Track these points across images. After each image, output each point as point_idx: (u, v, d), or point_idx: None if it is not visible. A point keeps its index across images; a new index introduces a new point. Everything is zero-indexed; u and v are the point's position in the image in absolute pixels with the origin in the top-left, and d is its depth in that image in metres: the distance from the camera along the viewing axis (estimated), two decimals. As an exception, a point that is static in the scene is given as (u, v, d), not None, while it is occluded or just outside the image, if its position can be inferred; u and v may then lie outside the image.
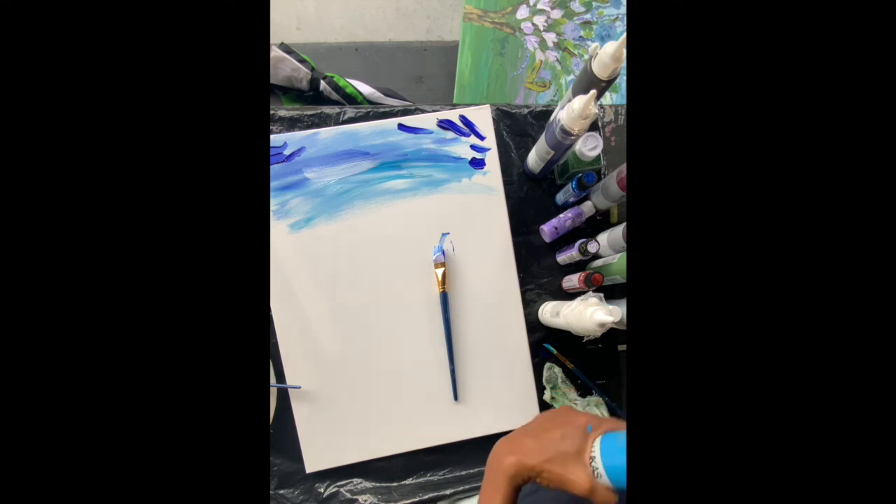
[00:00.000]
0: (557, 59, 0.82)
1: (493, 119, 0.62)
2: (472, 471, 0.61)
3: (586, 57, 0.55)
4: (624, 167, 0.51)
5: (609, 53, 0.40)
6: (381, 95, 0.75)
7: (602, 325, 0.43)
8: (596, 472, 0.31)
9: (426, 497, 0.60)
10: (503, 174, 0.62)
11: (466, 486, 0.60)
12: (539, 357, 0.62)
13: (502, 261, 0.61)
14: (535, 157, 0.57)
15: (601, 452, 0.32)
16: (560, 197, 0.61)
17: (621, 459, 0.30)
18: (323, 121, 0.62)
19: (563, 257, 0.61)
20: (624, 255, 0.51)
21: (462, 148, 0.62)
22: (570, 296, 0.61)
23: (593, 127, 0.64)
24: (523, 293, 0.62)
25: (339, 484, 0.60)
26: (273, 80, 0.73)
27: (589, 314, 0.45)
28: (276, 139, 0.60)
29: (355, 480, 0.60)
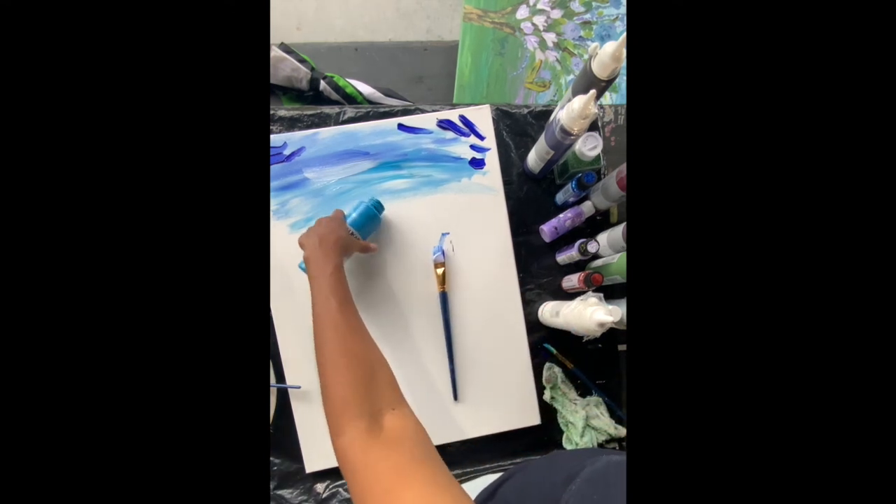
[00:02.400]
0: (557, 59, 0.82)
1: (493, 119, 0.62)
2: (469, 469, 0.61)
3: (586, 57, 0.55)
4: (624, 167, 0.51)
5: (609, 53, 0.40)
6: (381, 95, 0.75)
7: (602, 324, 0.43)
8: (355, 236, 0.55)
9: (426, 497, 0.60)
10: (503, 174, 0.62)
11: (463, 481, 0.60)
12: (539, 357, 0.62)
13: (502, 261, 0.61)
14: (535, 157, 0.57)
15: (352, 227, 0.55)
16: (560, 197, 0.61)
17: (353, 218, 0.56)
18: (323, 121, 0.62)
19: (562, 257, 0.61)
20: (623, 255, 0.51)
21: (462, 148, 0.62)
22: (570, 296, 0.61)
23: (593, 127, 0.64)
24: (523, 293, 0.62)
25: (338, 483, 0.60)
26: (273, 80, 0.73)
27: (589, 314, 0.45)
28: (275, 139, 0.60)
29: (355, 480, 0.60)
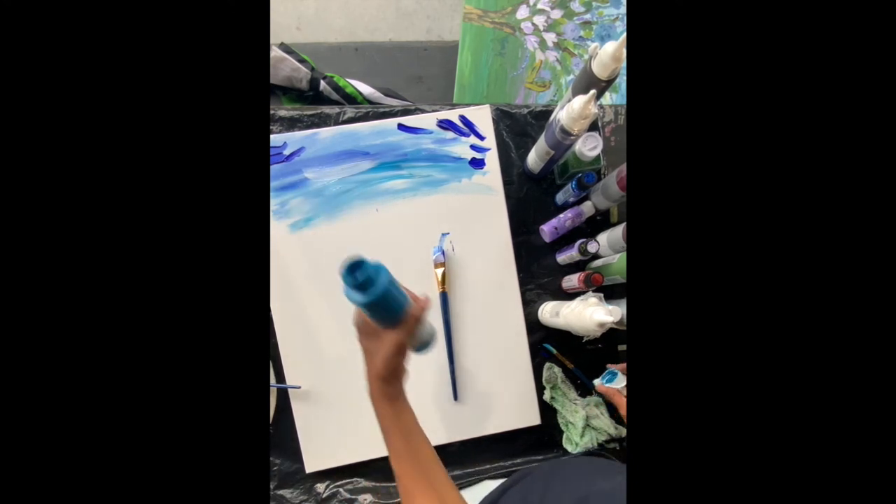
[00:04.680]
0: (557, 59, 0.82)
1: (493, 119, 0.62)
2: (469, 469, 0.61)
3: (586, 57, 0.55)
4: (624, 167, 0.51)
5: (609, 53, 0.40)
6: (381, 95, 0.75)
7: (602, 325, 0.43)
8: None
9: (426, 497, 0.60)
10: (503, 174, 0.62)
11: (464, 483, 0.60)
12: (539, 357, 0.62)
13: (502, 261, 0.61)
14: (535, 157, 0.57)
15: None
16: (560, 197, 0.61)
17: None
18: (323, 121, 0.62)
19: (562, 257, 0.61)
20: (624, 255, 0.51)
21: (462, 148, 0.62)
22: (570, 296, 0.61)
23: (593, 127, 0.64)
24: (523, 293, 0.62)
25: (338, 484, 0.60)
26: (273, 80, 0.73)
27: (588, 314, 0.45)
28: (275, 139, 0.60)
29: (355, 480, 0.60)
